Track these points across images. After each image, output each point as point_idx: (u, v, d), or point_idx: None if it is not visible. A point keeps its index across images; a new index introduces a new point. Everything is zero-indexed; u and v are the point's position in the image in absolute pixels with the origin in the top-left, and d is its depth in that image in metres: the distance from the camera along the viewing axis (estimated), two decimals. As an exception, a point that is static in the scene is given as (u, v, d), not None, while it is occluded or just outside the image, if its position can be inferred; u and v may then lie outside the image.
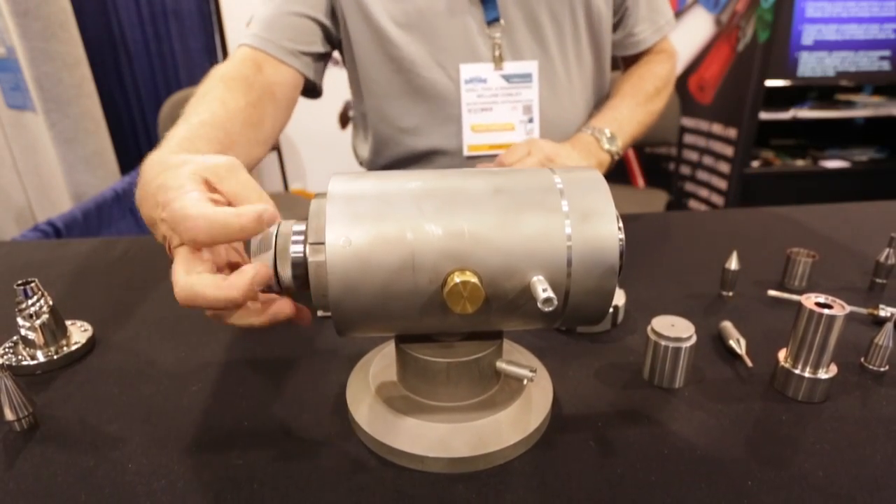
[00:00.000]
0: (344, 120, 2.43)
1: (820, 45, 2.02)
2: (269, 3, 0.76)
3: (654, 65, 0.88)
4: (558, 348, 0.54)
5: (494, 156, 0.83)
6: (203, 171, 0.39)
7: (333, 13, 0.80)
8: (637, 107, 0.82)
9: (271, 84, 0.72)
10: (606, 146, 0.76)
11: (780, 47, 1.99)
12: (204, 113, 0.59)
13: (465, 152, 0.84)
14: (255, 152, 0.68)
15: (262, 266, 0.36)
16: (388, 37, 0.78)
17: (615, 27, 0.87)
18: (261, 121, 0.69)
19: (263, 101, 0.69)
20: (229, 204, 0.39)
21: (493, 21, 0.78)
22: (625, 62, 0.94)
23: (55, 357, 0.52)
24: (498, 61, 0.79)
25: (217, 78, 0.67)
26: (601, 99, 0.91)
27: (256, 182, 0.40)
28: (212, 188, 0.39)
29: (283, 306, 0.38)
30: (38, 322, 0.51)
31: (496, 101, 0.81)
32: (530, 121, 0.83)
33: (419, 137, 0.84)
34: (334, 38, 0.82)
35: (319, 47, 0.79)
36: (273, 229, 0.37)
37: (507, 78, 0.80)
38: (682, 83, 2.34)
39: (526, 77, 0.81)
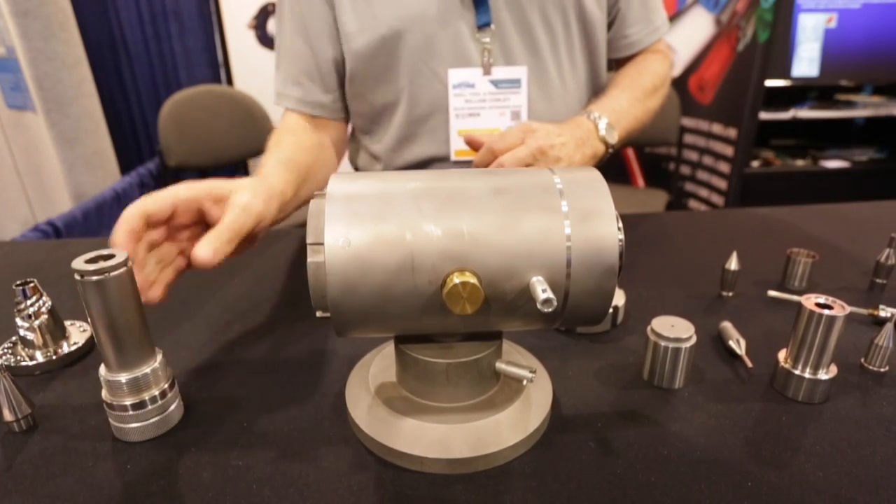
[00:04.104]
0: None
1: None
2: (291, 57, 0.81)
3: (651, 63, 0.87)
4: (558, 349, 0.54)
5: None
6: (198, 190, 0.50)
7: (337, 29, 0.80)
8: (636, 101, 0.80)
9: (325, 130, 0.83)
10: (603, 134, 0.73)
11: (780, 47, 1.99)
12: (283, 152, 0.68)
13: (452, 157, 0.83)
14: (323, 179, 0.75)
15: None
16: (382, 42, 0.77)
17: (608, 28, 0.86)
18: (324, 160, 0.79)
19: (326, 144, 0.81)
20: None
21: (484, 25, 0.77)
22: (618, 64, 0.92)
23: (54, 357, 0.52)
24: (487, 66, 0.79)
25: (283, 131, 0.77)
26: None
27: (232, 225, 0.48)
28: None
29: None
30: (36, 322, 0.51)
31: (484, 106, 0.81)
32: None
33: (412, 143, 0.84)
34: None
35: (343, 86, 0.84)
36: None
37: (496, 83, 0.80)
38: (682, 83, 2.35)
39: (515, 83, 0.80)
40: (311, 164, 0.71)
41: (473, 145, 0.68)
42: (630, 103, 0.79)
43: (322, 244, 0.34)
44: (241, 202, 0.49)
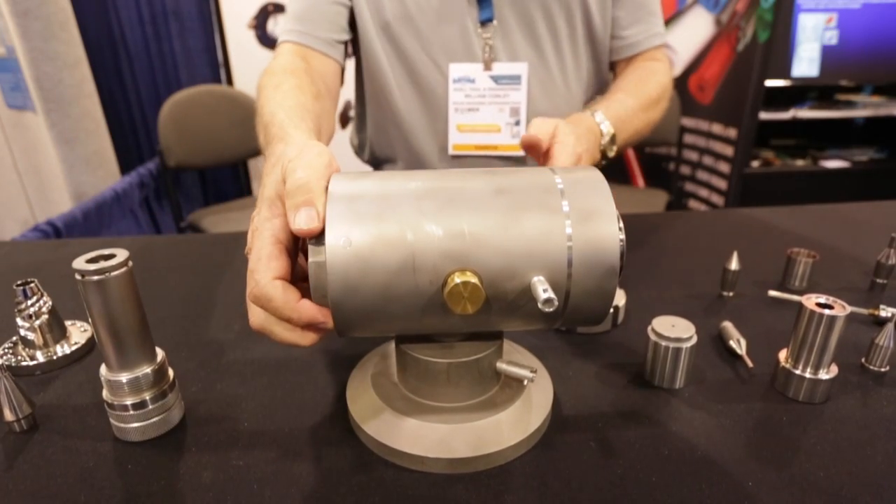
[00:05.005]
0: (344, 120, 2.43)
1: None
2: (299, 2, 0.78)
3: (655, 73, 0.82)
4: (558, 348, 0.54)
5: (483, 157, 0.83)
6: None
7: None
8: (639, 111, 0.75)
9: (322, 75, 0.75)
10: (604, 145, 0.67)
11: (780, 47, 1.99)
12: (291, 99, 0.59)
13: (450, 151, 0.84)
14: (328, 136, 0.69)
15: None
16: (387, 30, 0.79)
17: None
18: (328, 108, 0.72)
19: (322, 92, 0.71)
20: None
21: (486, 21, 0.78)
22: (617, 68, 0.89)
23: (55, 357, 0.52)
24: (488, 62, 0.79)
25: (281, 72, 0.67)
26: None
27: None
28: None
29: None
30: (37, 322, 0.51)
31: (483, 101, 0.81)
32: (517, 123, 0.82)
33: (412, 134, 0.85)
34: (353, 22, 0.82)
35: (346, 34, 0.80)
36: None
37: (496, 79, 0.80)
38: (682, 83, 2.34)
39: (515, 79, 0.80)
40: (320, 113, 0.64)
41: (534, 148, 0.57)
42: (634, 111, 0.74)
43: (323, 244, 0.34)
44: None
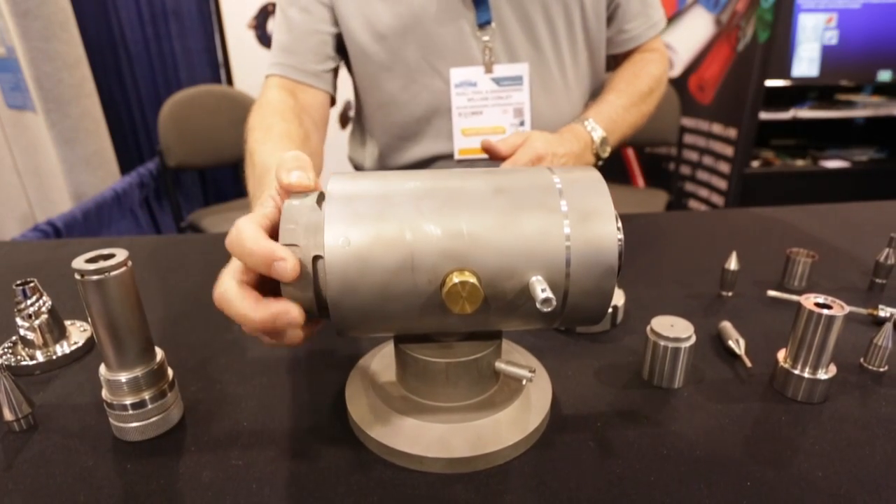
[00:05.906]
0: (344, 120, 2.43)
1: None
2: (284, 28, 0.79)
3: (648, 64, 0.86)
4: (557, 348, 0.54)
5: (490, 160, 0.83)
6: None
7: (336, 21, 0.80)
8: (632, 107, 0.81)
9: (308, 108, 0.76)
10: (597, 147, 0.74)
11: (780, 47, 1.99)
12: (282, 150, 0.60)
13: (456, 156, 0.84)
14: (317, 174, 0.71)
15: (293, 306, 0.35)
16: (384, 41, 0.78)
17: (606, 23, 0.85)
18: (317, 147, 0.74)
19: (311, 128, 0.73)
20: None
21: (485, 24, 0.77)
22: (615, 60, 0.92)
23: (54, 357, 0.52)
24: (489, 65, 0.79)
25: (270, 112, 0.69)
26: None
27: None
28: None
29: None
30: (36, 322, 0.51)
31: (487, 104, 0.81)
32: (521, 124, 0.82)
33: (416, 143, 0.84)
34: (342, 46, 0.82)
35: (335, 61, 0.81)
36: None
37: (498, 81, 0.80)
38: (682, 83, 2.35)
39: (517, 80, 0.80)
40: (310, 155, 0.67)
41: (492, 153, 0.66)
42: (626, 109, 0.79)
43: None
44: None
